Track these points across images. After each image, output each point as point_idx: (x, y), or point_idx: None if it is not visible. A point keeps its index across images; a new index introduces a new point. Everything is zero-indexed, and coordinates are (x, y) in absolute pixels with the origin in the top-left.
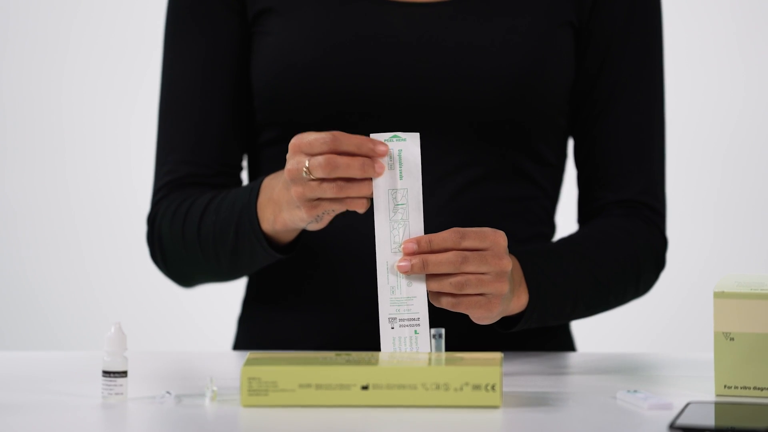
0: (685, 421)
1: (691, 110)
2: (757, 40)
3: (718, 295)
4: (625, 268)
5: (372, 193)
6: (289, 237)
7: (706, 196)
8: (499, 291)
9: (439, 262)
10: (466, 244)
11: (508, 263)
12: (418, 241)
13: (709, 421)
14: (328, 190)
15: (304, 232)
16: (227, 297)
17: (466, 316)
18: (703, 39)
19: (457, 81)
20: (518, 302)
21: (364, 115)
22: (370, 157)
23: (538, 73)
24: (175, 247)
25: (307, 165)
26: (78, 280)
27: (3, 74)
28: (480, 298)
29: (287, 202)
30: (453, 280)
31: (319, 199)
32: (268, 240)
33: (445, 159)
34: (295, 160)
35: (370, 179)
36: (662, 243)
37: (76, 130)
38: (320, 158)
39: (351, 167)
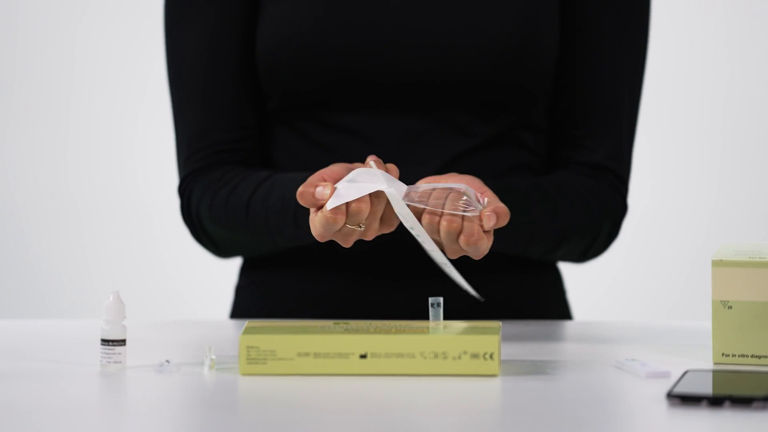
0: (683, 389)
1: (690, 92)
2: (755, 37)
3: (717, 264)
4: (584, 222)
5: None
6: None
7: (708, 163)
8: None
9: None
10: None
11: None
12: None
13: (707, 389)
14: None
15: None
16: (224, 265)
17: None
18: (702, 37)
19: (451, 46)
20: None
21: (360, 84)
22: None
23: (529, 37)
24: (223, 234)
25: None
26: (77, 250)
27: (13, 61)
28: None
29: None
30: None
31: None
32: None
33: (439, 127)
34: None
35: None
36: (622, 210)
37: (80, 109)
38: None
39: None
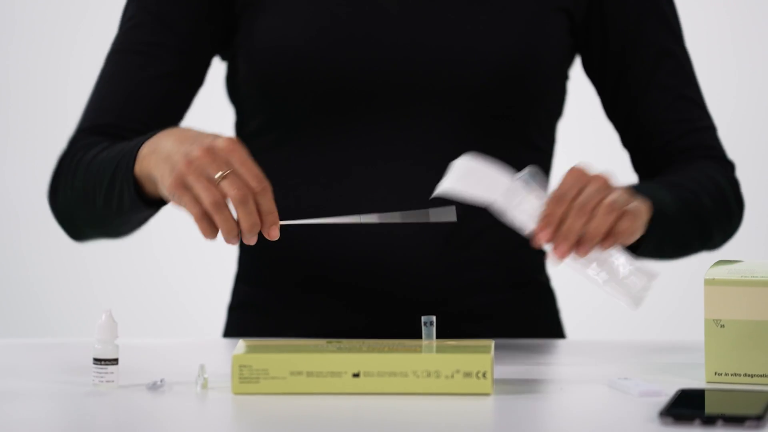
0: (675, 408)
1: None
2: (754, 36)
3: (709, 282)
4: (718, 198)
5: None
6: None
7: None
8: (627, 200)
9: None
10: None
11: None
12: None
13: (700, 408)
14: (210, 199)
15: None
16: (218, 284)
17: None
18: (696, 38)
19: (450, 63)
20: (647, 212)
21: (356, 98)
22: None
23: (529, 56)
24: (66, 180)
25: (221, 174)
26: (72, 268)
27: (8, 67)
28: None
29: (166, 159)
30: (605, 204)
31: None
32: (141, 187)
33: (435, 143)
34: (212, 158)
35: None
36: (735, 180)
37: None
38: (240, 181)
39: (251, 214)
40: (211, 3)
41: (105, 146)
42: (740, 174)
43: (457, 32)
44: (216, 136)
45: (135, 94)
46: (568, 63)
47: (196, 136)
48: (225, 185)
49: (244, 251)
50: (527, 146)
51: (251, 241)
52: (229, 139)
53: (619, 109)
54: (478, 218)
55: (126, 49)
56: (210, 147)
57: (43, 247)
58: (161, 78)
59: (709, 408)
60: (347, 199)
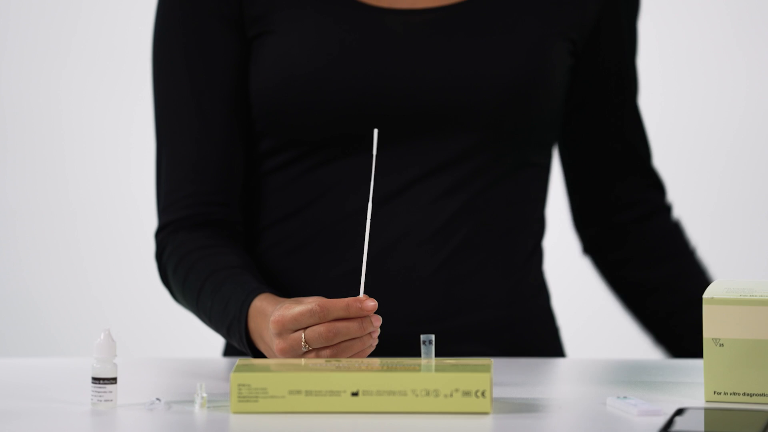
0: (674, 427)
1: (692, 113)
2: (757, 41)
3: (708, 301)
4: None
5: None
6: None
7: (704, 200)
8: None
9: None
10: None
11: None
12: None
13: (699, 427)
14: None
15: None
16: None
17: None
18: (702, 40)
19: (459, 88)
20: None
21: (366, 123)
22: (362, 317)
23: (537, 77)
24: (179, 301)
25: (304, 339)
26: (72, 284)
27: (2, 74)
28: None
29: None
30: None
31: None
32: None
33: (446, 162)
34: (285, 339)
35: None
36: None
37: (75, 133)
38: (319, 329)
39: (351, 330)
40: (233, 37)
41: (197, 290)
42: (745, 190)
43: (465, 56)
44: (270, 330)
45: (200, 159)
46: (568, 82)
47: (266, 337)
48: (313, 343)
49: None
50: (530, 162)
51: (377, 323)
52: (273, 320)
53: (590, 132)
54: (479, 237)
55: (173, 114)
56: (277, 342)
57: (42, 263)
58: (218, 130)
59: (708, 427)
60: (360, 215)
